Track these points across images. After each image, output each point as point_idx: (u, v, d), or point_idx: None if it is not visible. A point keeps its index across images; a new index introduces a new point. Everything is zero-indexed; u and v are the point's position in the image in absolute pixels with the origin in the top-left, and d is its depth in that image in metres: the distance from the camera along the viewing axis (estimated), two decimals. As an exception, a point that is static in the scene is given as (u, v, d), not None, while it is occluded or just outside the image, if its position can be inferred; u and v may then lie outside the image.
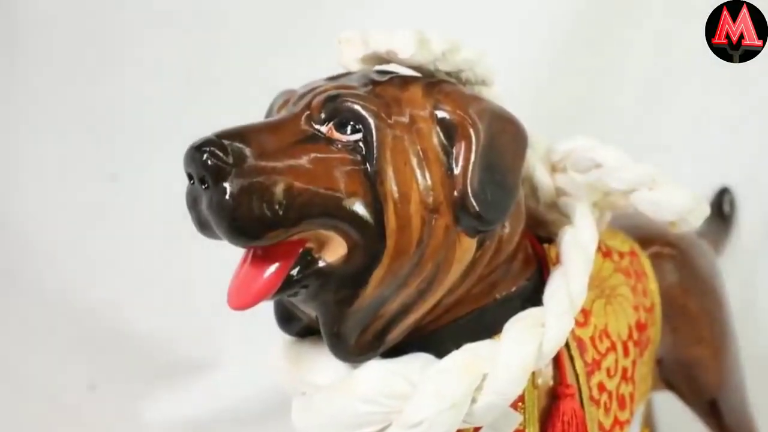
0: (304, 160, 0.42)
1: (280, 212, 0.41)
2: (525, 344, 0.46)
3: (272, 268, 0.43)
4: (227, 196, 0.40)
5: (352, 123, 0.44)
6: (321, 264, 0.43)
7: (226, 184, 0.40)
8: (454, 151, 0.44)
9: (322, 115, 0.44)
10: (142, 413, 0.89)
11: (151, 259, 0.87)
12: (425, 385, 0.44)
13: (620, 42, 0.86)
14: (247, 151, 0.41)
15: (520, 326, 0.47)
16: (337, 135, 0.44)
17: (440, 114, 0.45)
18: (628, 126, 0.88)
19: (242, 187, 0.40)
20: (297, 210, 0.41)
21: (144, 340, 0.88)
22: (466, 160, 0.44)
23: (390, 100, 0.45)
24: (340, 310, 0.44)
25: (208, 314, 0.83)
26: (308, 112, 0.45)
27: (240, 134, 0.42)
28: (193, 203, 0.42)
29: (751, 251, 0.89)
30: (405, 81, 0.47)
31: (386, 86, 0.46)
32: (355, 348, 0.45)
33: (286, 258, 0.43)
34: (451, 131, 0.45)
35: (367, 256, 0.43)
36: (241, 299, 0.43)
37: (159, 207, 0.84)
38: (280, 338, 0.51)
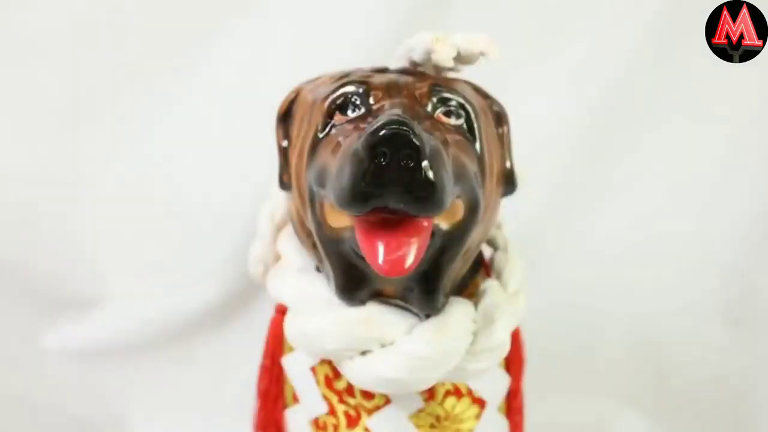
0: (447, 137, 0.51)
1: (452, 181, 0.48)
2: None
3: (420, 234, 0.48)
4: (430, 173, 0.45)
5: (455, 110, 0.53)
6: (443, 228, 0.50)
7: (426, 162, 0.44)
8: (499, 131, 0.59)
9: (429, 106, 0.53)
10: (41, 342, 0.97)
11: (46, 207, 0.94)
12: (500, 319, 0.56)
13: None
14: (419, 129, 0.46)
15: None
16: (444, 119, 0.53)
17: (495, 107, 0.59)
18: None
19: (437, 162, 0.45)
20: (456, 178, 0.49)
21: (40, 277, 0.96)
22: (509, 139, 0.59)
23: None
24: (444, 268, 0.51)
25: (95, 255, 0.95)
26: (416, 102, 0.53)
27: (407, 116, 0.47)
28: (377, 180, 0.45)
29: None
30: (456, 80, 0.58)
31: (455, 82, 0.57)
32: (443, 300, 0.54)
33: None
34: (500, 119, 0.59)
35: (472, 221, 0.51)
36: (401, 265, 0.47)
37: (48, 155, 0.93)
38: (326, 308, 0.55)
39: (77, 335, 0.98)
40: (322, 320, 0.54)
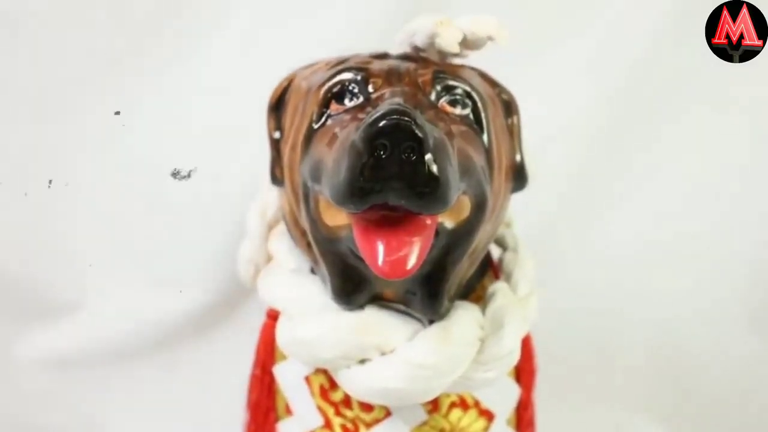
0: (452, 128, 0.50)
1: (458, 176, 0.47)
2: None
3: (422, 232, 0.47)
4: (434, 167, 0.44)
5: (461, 99, 0.52)
6: (448, 226, 0.50)
7: (429, 155, 0.44)
8: (508, 122, 0.58)
9: (432, 94, 0.52)
10: (15, 350, 0.98)
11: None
12: (510, 324, 0.55)
13: None
14: (422, 119, 0.45)
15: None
16: (449, 109, 0.52)
17: (504, 96, 0.58)
18: None
19: (441, 155, 0.45)
20: (462, 173, 0.48)
21: (14, 280, 0.96)
22: (519, 131, 0.58)
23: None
24: (449, 270, 0.52)
25: (73, 258, 0.95)
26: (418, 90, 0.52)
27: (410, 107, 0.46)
28: (376, 175, 0.44)
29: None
30: (462, 66, 0.57)
31: (461, 69, 0.56)
32: (448, 304, 0.53)
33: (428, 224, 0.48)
34: (510, 109, 0.58)
35: (479, 219, 0.51)
36: (403, 266, 0.46)
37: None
38: (322, 312, 0.54)
39: (55, 342, 0.98)
40: (318, 326, 0.54)
